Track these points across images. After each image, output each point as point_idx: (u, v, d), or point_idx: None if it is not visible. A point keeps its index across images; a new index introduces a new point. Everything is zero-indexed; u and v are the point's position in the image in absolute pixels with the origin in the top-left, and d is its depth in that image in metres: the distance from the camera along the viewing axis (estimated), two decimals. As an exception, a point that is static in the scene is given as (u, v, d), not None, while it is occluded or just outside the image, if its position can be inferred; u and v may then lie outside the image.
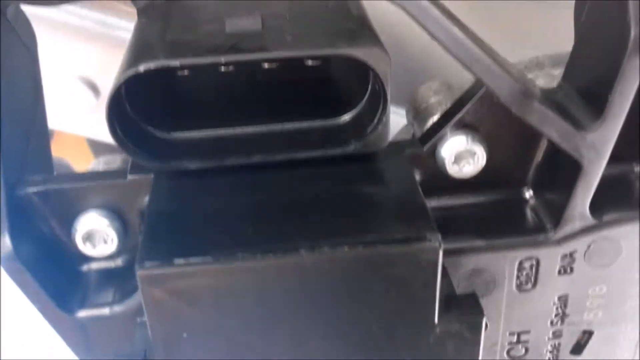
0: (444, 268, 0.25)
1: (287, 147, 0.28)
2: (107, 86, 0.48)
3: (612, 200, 0.29)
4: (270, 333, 0.25)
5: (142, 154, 0.27)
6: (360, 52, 0.25)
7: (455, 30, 0.25)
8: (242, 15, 0.27)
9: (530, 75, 0.33)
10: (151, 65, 0.24)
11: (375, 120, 0.27)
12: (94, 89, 0.48)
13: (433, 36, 0.25)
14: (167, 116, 0.28)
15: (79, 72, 0.48)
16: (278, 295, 0.24)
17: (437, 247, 0.23)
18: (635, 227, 0.29)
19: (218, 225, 0.24)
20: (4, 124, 0.28)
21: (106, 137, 0.48)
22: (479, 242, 0.29)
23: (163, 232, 0.24)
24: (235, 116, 0.29)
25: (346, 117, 0.29)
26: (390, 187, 0.27)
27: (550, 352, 0.33)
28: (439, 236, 0.24)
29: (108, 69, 0.47)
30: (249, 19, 0.27)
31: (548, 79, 0.33)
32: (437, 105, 0.31)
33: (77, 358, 0.31)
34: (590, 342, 0.33)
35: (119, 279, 0.30)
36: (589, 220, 0.29)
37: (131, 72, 0.24)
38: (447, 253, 0.26)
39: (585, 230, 0.29)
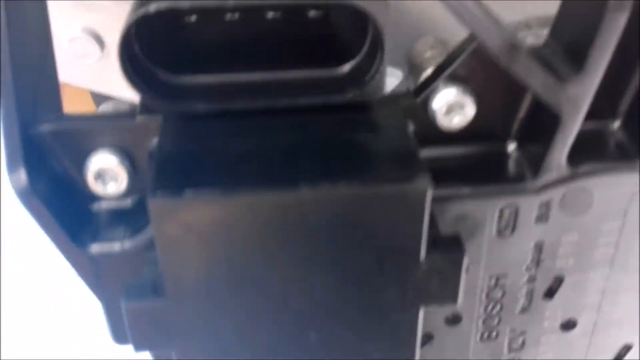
0: (431, 211, 0.27)
1: (290, 93, 0.30)
2: (112, 38, 0.49)
3: (588, 153, 0.31)
4: (270, 267, 0.27)
5: (152, 94, 0.28)
6: (360, 3, 0.27)
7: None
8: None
9: (519, 35, 0.35)
10: (162, 5, 0.26)
11: (372, 71, 0.29)
12: (99, 40, 0.49)
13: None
14: (175, 60, 0.30)
15: (84, 24, 0.49)
16: (280, 229, 0.26)
17: (426, 186, 0.25)
18: (607, 178, 0.32)
19: (225, 163, 0.26)
20: (16, 64, 0.29)
21: (111, 89, 0.49)
22: (464, 189, 0.31)
23: (173, 168, 0.26)
24: (240, 63, 0.31)
25: (345, 68, 0.31)
26: (385, 133, 0.29)
27: (524, 295, 0.36)
28: (428, 176, 0.26)
29: (113, 20, 0.49)
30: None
31: (535, 38, 0.35)
32: (431, 59, 0.33)
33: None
34: (561, 288, 0.36)
35: (128, 218, 0.32)
36: (565, 170, 0.31)
37: (142, 11, 0.26)
38: (434, 200, 0.28)
39: (562, 180, 0.31)
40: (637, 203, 0.33)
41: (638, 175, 0.32)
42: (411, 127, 0.31)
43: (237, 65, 0.30)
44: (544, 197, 0.32)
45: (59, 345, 0.74)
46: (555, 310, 0.37)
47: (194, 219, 0.25)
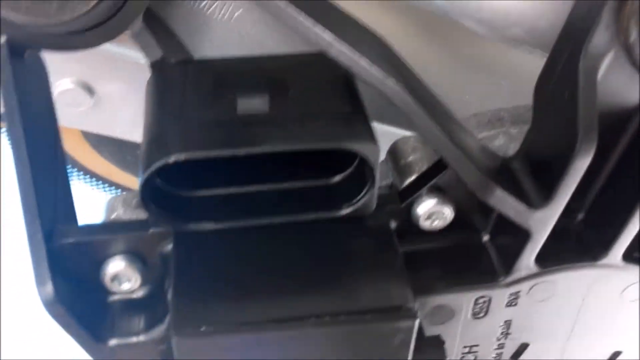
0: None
1: (289, 208, 0.33)
2: (102, 86, 0.51)
3: (553, 253, 0.35)
4: None
5: (166, 216, 0.31)
6: (356, 146, 0.30)
7: (429, 122, 0.30)
8: (251, 94, 0.32)
9: (491, 132, 0.38)
10: (181, 157, 0.28)
11: (365, 190, 0.32)
12: (89, 90, 0.51)
13: (408, 121, 0.30)
14: (187, 177, 0.33)
15: (73, 75, 0.50)
16: (284, 352, 0.29)
17: (414, 316, 0.29)
18: (569, 272, 0.36)
19: (235, 291, 0.30)
20: (36, 176, 0.32)
21: (101, 130, 0.51)
22: (445, 287, 0.35)
23: (189, 299, 0.29)
24: (243, 177, 0.34)
25: (337, 178, 0.34)
26: (374, 247, 0.33)
27: (494, 358, 0.41)
28: (416, 306, 0.29)
29: (103, 69, 0.50)
30: (258, 99, 0.31)
31: (506, 138, 0.38)
32: (414, 164, 0.36)
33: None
34: (525, 351, 0.40)
35: (141, 307, 0.35)
36: (534, 269, 0.35)
37: (161, 162, 0.28)
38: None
39: (530, 276, 0.36)
40: (595, 289, 0.37)
41: (596, 268, 0.36)
42: (393, 225, 0.35)
43: (241, 179, 0.33)
44: (514, 289, 0.36)
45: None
46: (520, 367, 0.42)
47: (212, 347, 0.29)
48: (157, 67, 0.34)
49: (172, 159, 0.28)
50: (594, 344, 0.41)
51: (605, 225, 0.36)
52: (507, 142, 0.38)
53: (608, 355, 0.43)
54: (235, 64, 0.34)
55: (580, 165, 0.30)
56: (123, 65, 0.48)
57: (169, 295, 0.30)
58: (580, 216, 0.37)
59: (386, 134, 0.47)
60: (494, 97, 0.50)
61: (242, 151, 0.29)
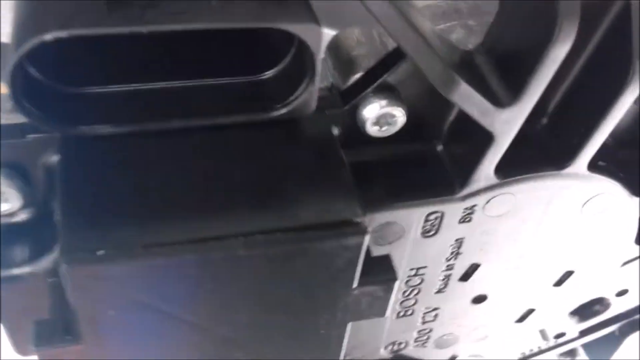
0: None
1: (209, 109, 0.27)
2: None
3: (514, 162, 0.31)
4: (200, 306, 0.25)
5: (47, 118, 0.25)
6: (293, 27, 0.24)
7: (398, 17, 0.24)
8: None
9: (448, 24, 0.33)
10: (62, 34, 0.22)
11: (303, 86, 0.27)
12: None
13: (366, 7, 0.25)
14: (74, 70, 0.26)
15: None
16: (206, 279, 0.24)
17: (364, 232, 0.24)
18: (531, 183, 0.32)
19: (137, 208, 0.24)
20: None
21: None
22: (395, 202, 0.30)
23: (82, 219, 0.23)
24: (149, 71, 0.27)
25: (269, 74, 0.28)
26: (314, 156, 0.27)
27: (441, 280, 0.37)
28: (366, 220, 0.24)
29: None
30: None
31: (465, 31, 0.33)
32: (360, 59, 0.30)
33: None
34: (475, 272, 0.37)
35: (25, 235, 0.28)
36: (493, 180, 0.31)
37: (35, 41, 0.22)
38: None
39: (488, 188, 0.31)
40: (556, 202, 0.34)
41: (559, 178, 0.32)
42: (336, 132, 0.30)
43: (146, 73, 0.27)
44: (469, 203, 0.32)
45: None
46: (468, 289, 0.38)
47: (112, 278, 0.23)
48: None
49: (48, 36, 0.21)
50: (547, 263, 0.38)
51: (571, 131, 0.32)
52: (465, 35, 0.32)
53: (559, 275, 0.40)
54: None
55: (557, 55, 0.25)
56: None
57: (57, 216, 0.24)
58: (544, 121, 0.33)
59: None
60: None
61: (143, 29, 0.22)
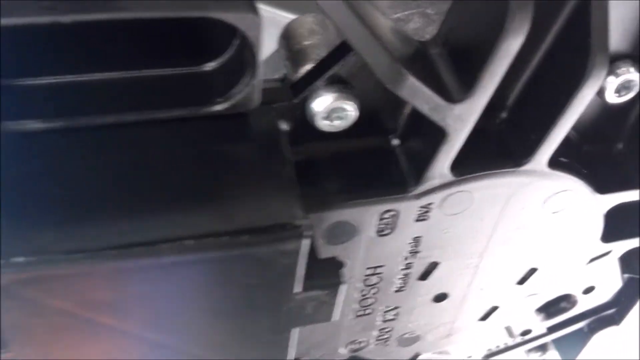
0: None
1: (145, 103, 0.25)
2: None
3: (471, 159, 0.30)
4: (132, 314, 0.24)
5: None
6: (230, 17, 0.22)
7: (344, 7, 0.23)
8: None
9: (406, 12, 0.32)
10: None
11: (245, 80, 0.25)
12: None
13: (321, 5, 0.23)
14: (4, 61, 0.24)
15: None
16: (134, 288, 0.23)
17: (301, 235, 0.23)
18: (488, 181, 0.31)
19: (65, 210, 0.22)
20: None
21: None
22: (346, 200, 0.29)
23: (7, 223, 0.22)
24: (83, 62, 0.25)
25: (211, 65, 0.27)
26: (257, 153, 0.26)
27: (400, 279, 0.36)
28: (305, 223, 0.23)
29: None
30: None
31: (423, 20, 0.32)
32: (311, 49, 0.29)
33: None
34: (435, 270, 0.36)
35: None
36: (449, 177, 0.30)
37: None
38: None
39: (444, 186, 0.30)
40: (515, 199, 0.33)
41: (518, 175, 0.31)
42: (285, 127, 0.29)
43: (77, 64, 0.25)
44: (425, 201, 0.31)
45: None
46: (428, 287, 0.37)
47: (35, 286, 0.22)
48: None
49: None
50: (509, 261, 0.37)
51: (531, 125, 0.31)
52: (423, 24, 0.31)
53: (523, 273, 0.39)
54: None
55: (510, 48, 0.24)
56: None
57: None
58: (503, 115, 0.32)
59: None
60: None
61: (66, 18, 0.21)
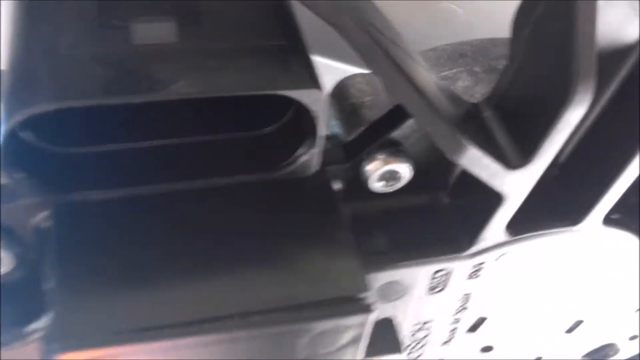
0: None
1: (204, 169, 0.25)
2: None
3: (524, 216, 0.29)
4: None
5: (37, 184, 0.23)
6: (294, 93, 0.22)
7: (384, 59, 0.23)
8: (151, 16, 0.23)
9: (454, 70, 0.32)
10: (51, 106, 0.20)
11: (305, 147, 0.25)
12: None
13: (376, 73, 0.23)
14: (66, 130, 0.25)
15: None
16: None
17: (368, 309, 0.23)
18: (542, 239, 0.31)
19: (130, 286, 0.22)
20: None
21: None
22: (399, 260, 0.29)
23: (72, 298, 0.22)
24: (144, 130, 0.26)
25: (267, 130, 0.27)
26: (314, 218, 0.26)
27: (448, 332, 0.35)
28: (369, 295, 0.23)
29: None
30: (160, 25, 0.23)
31: (471, 78, 0.31)
32: (364, 110, 0.29)
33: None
34: (482, 325, 0.35)
35: (16, 294, 0.27)
36: (504, 237, 0.29)
37: (27, 112, 0.20)
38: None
39: (498, 245, 0.30)
40: (568, 257, 0.32)
41: (573, 234, 0.31)
42: (339, 186, 0.29)
43: (138, 135, 0.26)
44: (478, 260, 0.30)
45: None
46: (475, 340, 0.37)
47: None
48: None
49: (38, 108, 0.20)
50: (557, 312, 0.37)
51: (585, 184, 0.30)
52: (472, 83, 0.31)
53: (569, 325, 0.39)
54: None
55: (572, 118, 0.24)
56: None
57: (46, 284, 0.22)
58: (555, 172, 0.31)
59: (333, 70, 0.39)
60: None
61: (136, 98, 0.21)
